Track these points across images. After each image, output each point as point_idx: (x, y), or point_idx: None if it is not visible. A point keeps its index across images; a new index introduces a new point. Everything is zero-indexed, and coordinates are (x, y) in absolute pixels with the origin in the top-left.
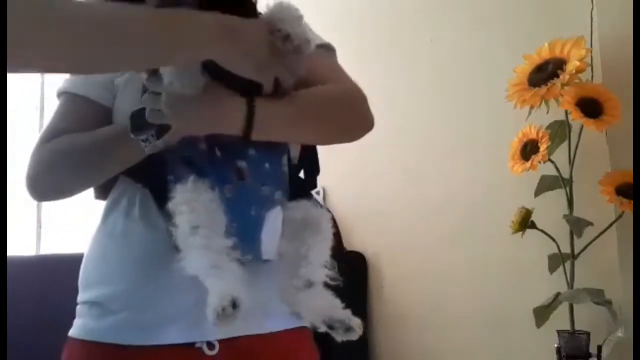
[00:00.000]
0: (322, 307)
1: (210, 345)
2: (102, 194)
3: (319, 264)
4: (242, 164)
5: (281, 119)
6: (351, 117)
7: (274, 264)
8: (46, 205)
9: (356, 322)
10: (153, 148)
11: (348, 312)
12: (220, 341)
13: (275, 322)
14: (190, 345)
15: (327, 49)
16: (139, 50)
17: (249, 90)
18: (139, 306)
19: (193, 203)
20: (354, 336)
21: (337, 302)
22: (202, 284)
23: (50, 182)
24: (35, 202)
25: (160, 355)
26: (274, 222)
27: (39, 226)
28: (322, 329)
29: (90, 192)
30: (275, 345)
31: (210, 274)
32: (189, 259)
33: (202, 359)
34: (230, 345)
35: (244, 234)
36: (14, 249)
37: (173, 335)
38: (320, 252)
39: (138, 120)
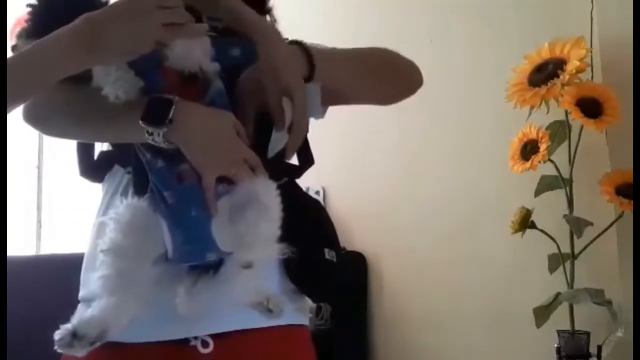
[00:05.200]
0: (249, 290)
1: (204, 343)
2: (89, 174)
3: (260, 241)
4: (184, 167)
5: (336, 57)
6: (401, 63)
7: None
8: (46, 205)
9: (275, 302)
10: (154, 142)
11: (268, 292)
12: (215, 339)
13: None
14: (184, 343)
15: None
16: (20, 85)
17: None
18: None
19: (124, 221)
20: (274, 317)
21: (261, 284)
22: (194, 278)
23: (49, 124)
24: (35, 202)
25: (153, 353)
26: (221, 213)
27: (39, 226)
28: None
29: (87, 189)
30: (271, 342)
31: (99, 296)
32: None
33: (197, 358)
34: (224, 343)
35: (190, 236)
36: (14, 249)
37: (163, 332)
38: (262, 228)
39: (154, 111)
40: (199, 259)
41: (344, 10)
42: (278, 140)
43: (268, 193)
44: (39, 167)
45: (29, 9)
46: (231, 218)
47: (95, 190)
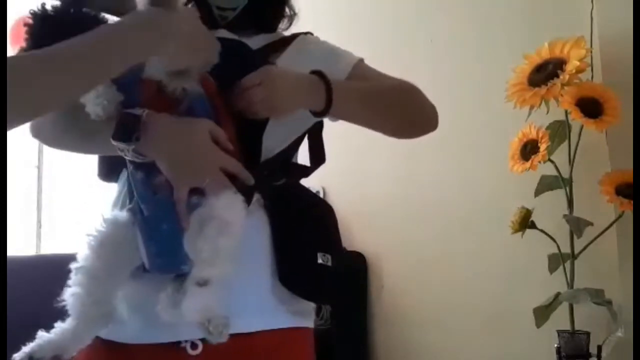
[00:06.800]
0: (196, 309)
1: (193, 345)
2: (105, 175)
3: (219, 258)
4: (160, 179)
5: (354, 96)
6: (420, 107)
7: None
8: (46, 205)
9: (216, 324)
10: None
11: (213, 313)
12: (204, 341)
13: (262, 320)
14: (176, 344)
15: (364, 62)
16: (85, 76)
17: None
18: (125, 304)
19: (97, 241)
20: (213, 340)
21: (213, 304)
22: (177, 285)
23: (44, 137)
24: (35, 202)
25: (144, 353)
26: (193, 226)
27: (39, 226)
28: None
29: (86, 189)
30: (261, 344)
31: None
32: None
33: (186, 359)
34: (213, 346)
35: (162, 249)
36: (14, 249)
37: (151, 336)
38: (220, 244)
39: (122, 129)
40: (173, 270)
41: (343, 11)
42: (273, 137)
43: (230, 207)
44: (39, 167)
45: (26, 28)
46: (199, 231)
47: (94, 191)
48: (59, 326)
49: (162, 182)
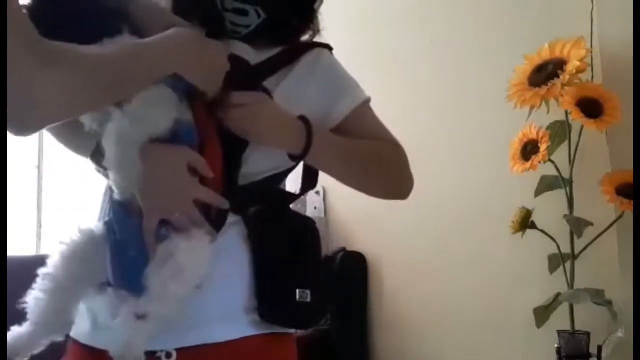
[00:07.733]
0: (123, 342)
1: (168, 354)
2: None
3: (165, 299)
4: (134, 203)
5: (333, 151)
6: (395, 176)
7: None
8: (46, 205)
9: None
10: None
11: (135, 355)
12: (178, 351)
13: (234, 329)
14: (152, 354)
15: (368, 103)
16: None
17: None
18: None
19: (70, 251)
20: None
21: (138, 340)
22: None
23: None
24: (35, 202)
25: None
26: (158, 257)
27: (39, 226)
28: None
29: (86, 189)
30: (237, 352)
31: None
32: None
33: None
34: (187, 355)
35: (125, 274)
36: (14, 249)
37: None
38: (170, 288)
39: (100, 153)
40: (133, 293)
41: (344, 12)
42: (260, 162)
43: (190, 251)
44: (39, 167)
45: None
46: (161, 265)
47: (94, 191)
48: (15, 330)
49: (136, 205)
